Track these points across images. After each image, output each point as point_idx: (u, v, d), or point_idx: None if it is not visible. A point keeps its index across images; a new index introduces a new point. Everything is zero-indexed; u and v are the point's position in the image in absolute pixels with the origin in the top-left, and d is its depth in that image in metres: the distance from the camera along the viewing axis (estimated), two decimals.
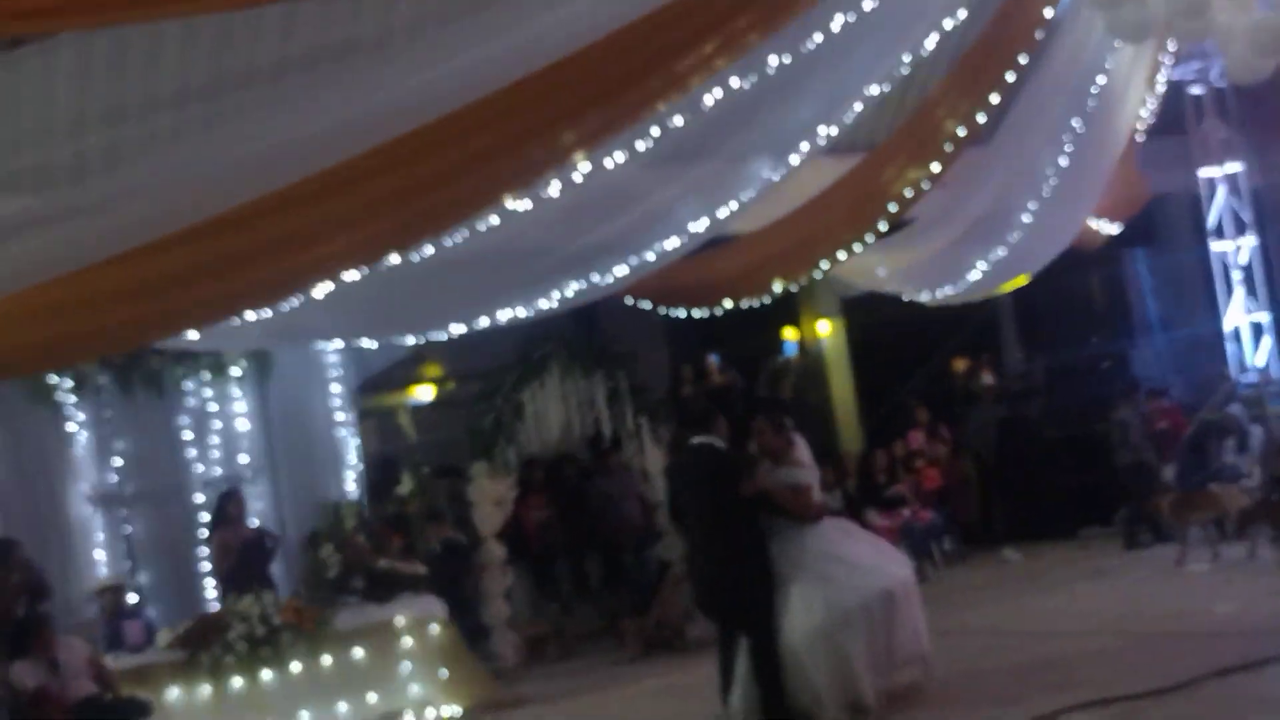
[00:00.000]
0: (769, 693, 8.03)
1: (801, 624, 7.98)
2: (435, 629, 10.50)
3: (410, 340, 11.83)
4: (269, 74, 8.86)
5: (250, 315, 9.20)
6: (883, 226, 12.86)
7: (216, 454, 11.65)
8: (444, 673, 10.41)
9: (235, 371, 11.77)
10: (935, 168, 12.50)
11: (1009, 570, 13.71)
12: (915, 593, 8.47)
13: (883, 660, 8.08)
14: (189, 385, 11.54)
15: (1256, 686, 7.53)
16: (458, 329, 11.14)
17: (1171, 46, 13.72)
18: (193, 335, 9.56)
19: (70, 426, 11.10)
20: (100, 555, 10.96)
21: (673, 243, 11.22)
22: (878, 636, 8.05)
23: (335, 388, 12.28)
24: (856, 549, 8.45)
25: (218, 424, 11.70)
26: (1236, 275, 15.58)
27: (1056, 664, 8.78)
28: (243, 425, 11.81)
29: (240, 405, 11.79)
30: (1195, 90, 15.63)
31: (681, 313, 13.31)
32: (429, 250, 9.31)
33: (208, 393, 11.68)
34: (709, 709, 8.88)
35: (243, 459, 11.76)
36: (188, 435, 11.53)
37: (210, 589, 11.14)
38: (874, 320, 15.91)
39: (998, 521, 15.57)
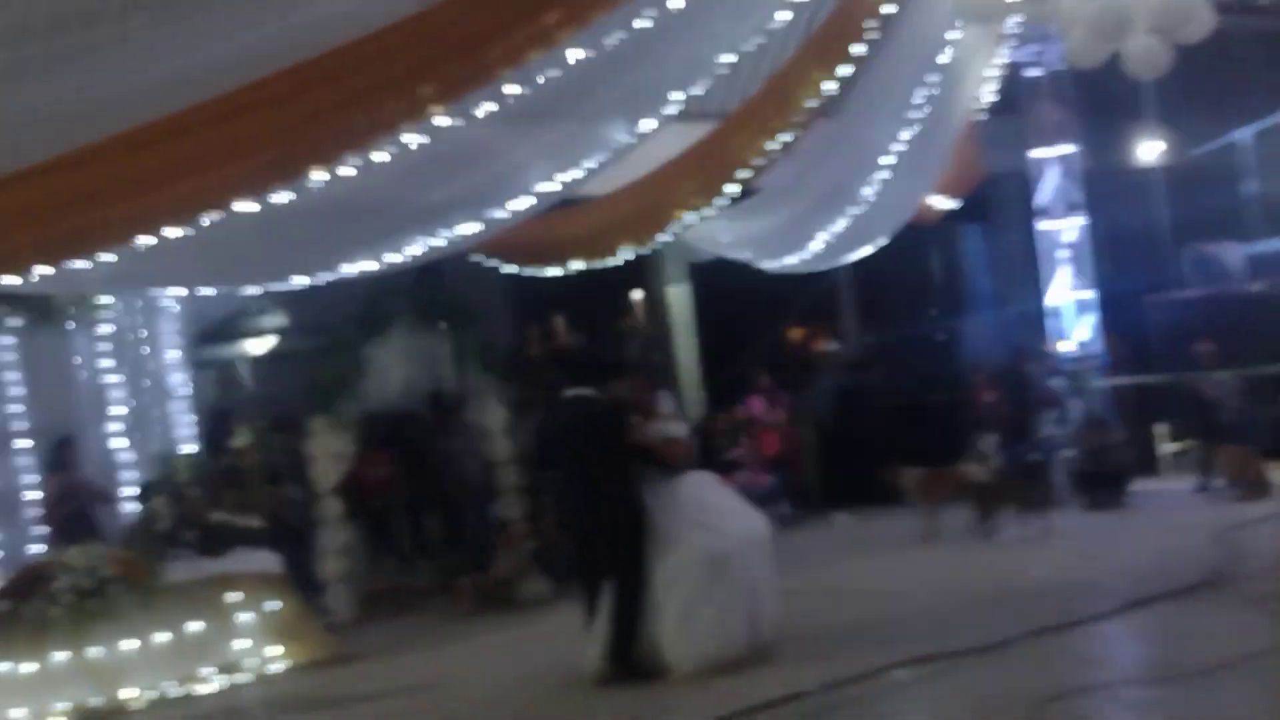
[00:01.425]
0: (622, 636, 8.20)
1: (672, 571, 8.19)
2: (269, 583, 10.38)
3: (251, 291, 11.63)
4: (114, 13, 8.57)
5: (84, 260, 8.94)
6: (731, 193, 13.08)
7: (45, 402, 11.31)
8: (278, 628, 10.31)
9: (67, 317, 11.42)
10: (784, 138, 12.75)
11: (841, 534, 14.11)
12: (769, 551, 8.69)
13: (742, 613, 8.27)
14: (16, 330, 11.16)
15: (1067, 644, 7.96)
16: (301, 281, 10.97)
17: (1012, 29, 14.16)
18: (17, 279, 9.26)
19: None
20: None
21: (524, 202, 11.22)
22: (739, 587, 8.28)
23: (170, 337, 12.02)
24: (722, 502, 8.73)
25: (46, 371, 11.35)
26: (1064, 254, 16.17)
27: (883, 623, 9.12)
28: (73, 373, 11.48)
29: (71, 352, 11.46)
30: (1033, 72, 16.11)
31: (531, 272, 13.32)
32: (274, 199, 9.15)
33: (37, 338, 11.32)
34: (542, 664, 9.09)
35: (73, 406, 11.44)
36: (14, 382, 11.16)
37: (37, 541, 10.84)
38: (719, 286, 16.15)
39: (832, 487, 16.03)
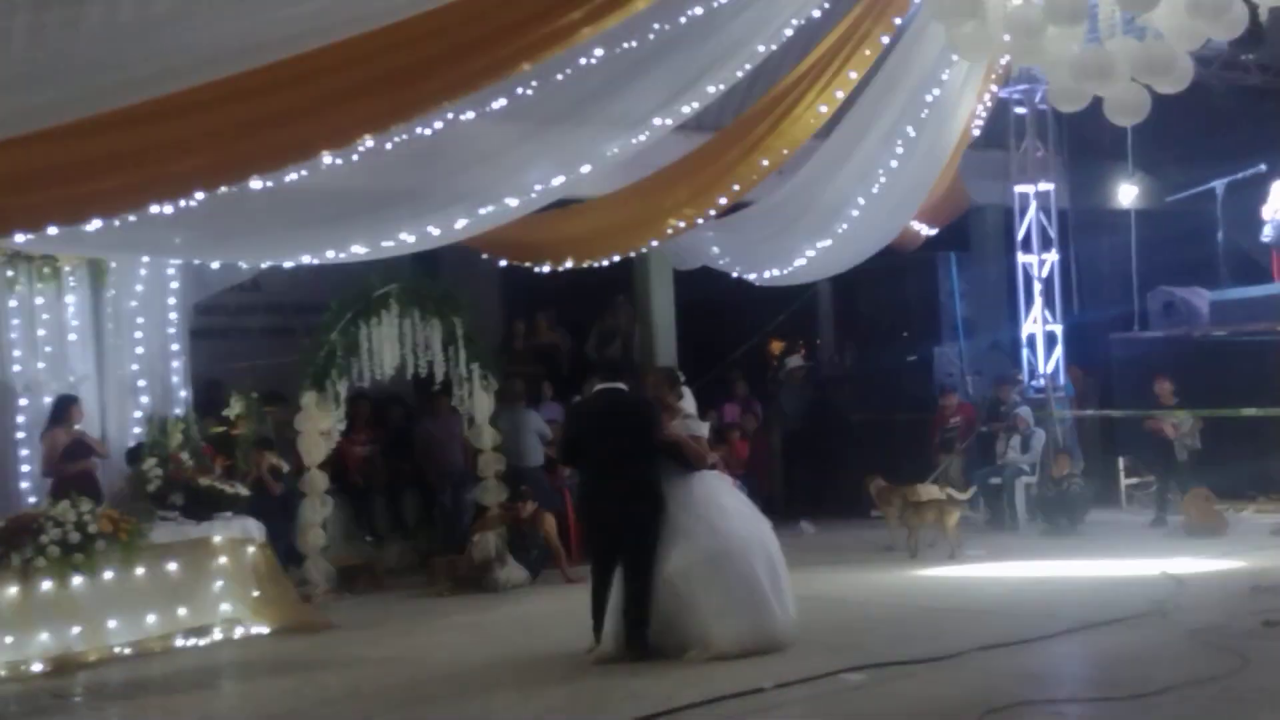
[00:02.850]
0: (637, 622, 8.53)
1: (681, 562, 8.52)
2: (250, 550, 10.67)
3: (250, 265, 11.87)
4: None
5: (90, 223, 9.17)
6: (722, 204, 13.44)
7: (43, 358, 11.50)
8: (255, 593, 10.61)
9: (69, 277, 11.60)
10: (777, 155, 13.13)
11: (804, 541, 14.42)
12: (780, 554, 9.00)
13: (737, 610, 8.55)
14: (19, 287, 11.33)
15: (1015, 661, 8.27)
16: (303, 259, 11.25)
17: (1002, 67, 14.57)
18: (28, 236, 9.50)
19: None
20: None
21: (521, 200, 11.54)
22: (737, 586, 8.58)
23: (171, 303, 12.20)
24: (734, 503, 9.08)
25: (46, 328, 11.53)
26: (1037, 287, 16.60)
27: (840, 629, 9.43)
28: (73, 331, 11.69)
29: (72, 311, 11.66)
30: (1019, 110, 16.56)
31: (523, 268, 13.59)
32: (274, 181, 9.42)
33: (38, 296, 11.49)
34: (509, 646, 9.43)
35: (71, 365, 11.63)
36: (13, 336, 11.34)
37: (28, 492, 11.05)
38: (702, 294, 16.47)
39: (798, 495, 16.42)
